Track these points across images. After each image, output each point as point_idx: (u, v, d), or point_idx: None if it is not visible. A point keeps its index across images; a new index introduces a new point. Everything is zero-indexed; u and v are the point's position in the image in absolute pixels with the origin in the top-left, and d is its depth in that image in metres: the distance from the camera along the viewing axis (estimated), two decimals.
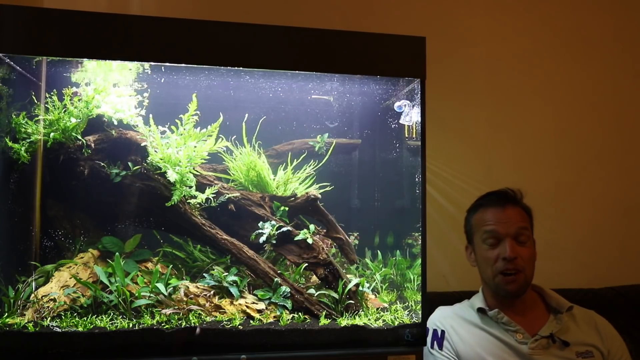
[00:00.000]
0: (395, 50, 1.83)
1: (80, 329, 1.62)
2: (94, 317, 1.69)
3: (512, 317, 1.88)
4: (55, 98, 1.86)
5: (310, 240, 1.95)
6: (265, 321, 1.77)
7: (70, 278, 1.79)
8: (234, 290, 1.84)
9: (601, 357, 1.83)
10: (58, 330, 1.61)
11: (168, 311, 1.72)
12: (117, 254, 1.80)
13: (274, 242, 1.97)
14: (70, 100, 1.86)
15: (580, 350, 1.81)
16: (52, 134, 1.83)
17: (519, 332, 1.84)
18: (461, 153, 2.62)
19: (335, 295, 1.89)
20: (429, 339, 1.90)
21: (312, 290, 1.92)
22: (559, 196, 2.72)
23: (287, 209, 2.07)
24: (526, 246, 1.86)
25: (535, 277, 1.99)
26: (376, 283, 2.10)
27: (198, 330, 1.65)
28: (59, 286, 1.77)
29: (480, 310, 1.93)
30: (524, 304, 1.90)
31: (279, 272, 1.92)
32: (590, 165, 2.78)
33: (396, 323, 1.81)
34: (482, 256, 1.90)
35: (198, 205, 1.95)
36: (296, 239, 1.97)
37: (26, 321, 1.64)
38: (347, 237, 2.19)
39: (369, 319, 1.82)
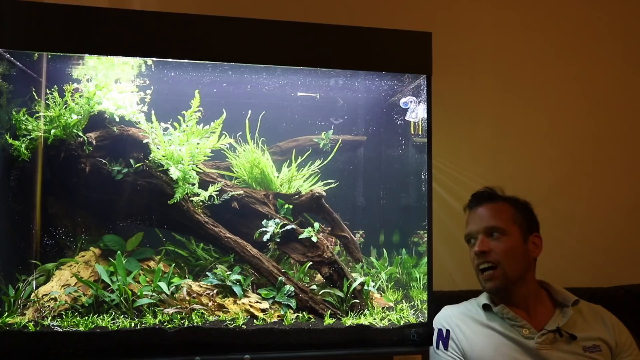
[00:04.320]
0: (401, 46, 1.81)
1: (81, 328, 1.61)
2: (96, 316, 1.67)
3: (518, 313, 1.87)
4: (56, 94, 1.84)
5: (314, 239, 1.93)
6: (269, 320, 1.75)
7: (72, 277, 1.78)
8: (237, 289, 1.82)
9: (608, 350, 1.82)
10: (59, 329, 1.60)
11: (170, 310, 1.71)
12: (118, 252, 1.79)
13: (278, 240, 1.95)
14: (71, 96, 1.84)
15: (587, 344, 1.80)
16: (52, 131, 1.81)
17: (525, 328, 1.83)
18: (468, 150, 2.60)
19: (340, 294, 1.87)
20: (434, 339, 1.88)
21: (313, 286, 1.90)
22: (567, 193, 2.69)
23: (291, 206, 2.05)
24: (501, 240, 1.86)
25: (544, 275, 1.97)
26: (382, 282, 2.08)
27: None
28: (59, 285, 1.76)
29: (485, 307, 1.92)
30: (526, 299, 1.89)
31: (283, 270, 1.90)
32: (599, 163, 2.75)
33: (402, 322, 1.79)
34: (469, 257, 1.94)
35: (201, 203, 1.93)
36: (300, 237, 1.95)
37: (27, 320, 1.63)
38: (352, 235, 2.17)
39: (375, 319, 1.80)
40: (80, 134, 1.84)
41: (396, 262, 2.19)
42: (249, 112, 2.05)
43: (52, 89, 1.84)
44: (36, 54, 1.79)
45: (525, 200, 1.97)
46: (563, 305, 1.90)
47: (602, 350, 1.80)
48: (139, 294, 1.73)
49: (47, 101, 1.84)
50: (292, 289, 1.84)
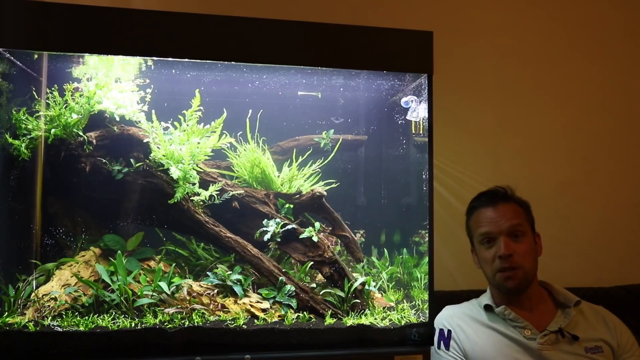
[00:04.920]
0: (402, 45, 1.80)
1: (81, 328, 1.60)
2: (96, 316, 1.67)
3: (520, 313, 1.86)
4: (56, 93, 1.84)
5: (315, 238, 1.92)
6: (269, 320, 1.74)
7: (72, 277, 1.77)
8: (237, 289, 1.82)
9: (610, 351, 1.81)
10: (59, 329, 1.59)
11: (171, 310, 1.70)
12: (119, 252, 1.78)
13: (279, 240, 1.95)
14: (71, 95, 1.83)
15: (589, 345, 1.79)
16: (53, 130, 1.80)
17: (527, 328, 1.82)
18: (469, 149, 2.59)
19: (341, 294, 1.86)
20: (435, 339, 1.88)
21: (313, 285, 1.89)
22: (569, 193, 2.68)
23: (292, 206, 2.05)
24: (521, 242, 1.85)
25: (545, 275, 1.96)
26: (382, 282, 2.07)
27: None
28: (60, 285, 1.75)
29: (487, 308, 1.91)
30: (530, 300, 1.88)
31: (283, 270, 1.89)
32: (600, 162, 2.74)
33: (403, 322, 1.79)
34: (482, 257, 1.90)
35: (201, 203, 1.92)
36: (301, 237, 1.94)
37: (27, 320, 1.62)
38: (353, 235, 2.16)
39: (375, 319, 1.80)
40: (81, 133, 1.83)
41: (397, 261, 2.18)
42: (250, 111, 2.05)
43: (53, 88, 1.84)
44: (36, 54, 1.79)
45: (524, 200, 1.96)
46: (565, 306, 1.89)
47: (604, 351, 1.79)
48: (139, 293, 1.73)
49: (47, 100, 1.84)
50: (293, 288, 1.84)
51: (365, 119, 2.33)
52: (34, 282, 1.77)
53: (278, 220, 1.96)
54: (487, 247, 1.87)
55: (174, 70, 1.88)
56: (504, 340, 1.83)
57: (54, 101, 1.83)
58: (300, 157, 2.14)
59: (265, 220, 1.97)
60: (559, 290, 1.94)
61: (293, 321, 1.74)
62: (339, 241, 2.17)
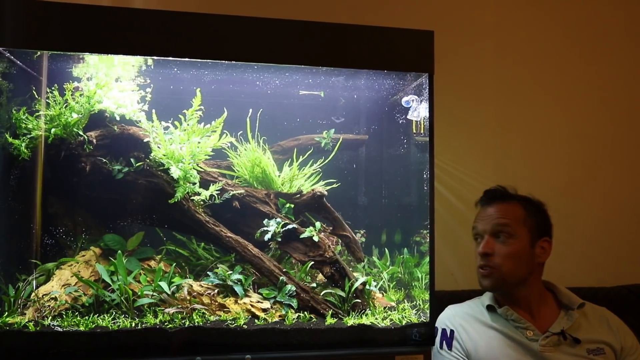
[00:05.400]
0: (403, 45, 1.80)
1: (81, 328, 1.60)
2: (96, 316, 1.66)
3: (522, 314, 1.85)
4: (56, 93, 1.83)
5: (316, 238, 1.92)
6: (270, 320, 1.74)
7: (72, 276, 1.77)
8: (238, 289, 1.82)
9: (613, 354, 1.80)
10: (59, 329, 1.59)
11: (171, 310, 1.70)
12: (119, 252, 1.78)
13: (279, 239, 1.94)
14: (71, 95, 1.83)
15: (591, 347, 1.79)
16: (53, 130, 1.80)
17: (530, 330, 1.82)
18: (470, 149, 2.59)
19: (342, 294, 1.86)
20: (437, 339, 1.87)
21: (314, 284, 1.90)
22: (570, 193, 2.68)
23: (292, 206, 2.04)
24: (506, 243, 1.83)
25: (546, 275, 1.95)
26: (383, 281, 2.07)
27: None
28: (60, 285, 1.75)
29: (489, 308, 1.91)
30: (529, 301, 1.88)
31: (284, 270, 1.89)
32: (601, 162, 2.74)
33: (404, 322, 1.79)
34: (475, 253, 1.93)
35: (202, 202, 1.92)
36: (302, 236, 1.94)
37: (27, 320, 1.62)
38: (354, 235, 2.16)
39: (376, 318, 1.80)
40: (81, 132, 1.83)
41: (398, 261, 2.18)
42: (250, 110, 2.04)
43: (53, 88, 1.84)
44: (38, 52, 1.78)
45: (539, 201, 1.94)
46: (568, 308, 1.88)
47: (606, 352, 1.79)
48: (139, 293, 1.73)
49: (47, 100, 1.84)
50: (294, 288, 1.83)
51: (366, 118, 2.33)
52: (34, 282, 1.77)
53: (279, 219, 1.96)
54: (476, 243, 1.91)
55: (174, 69, 1.88)
56: (506, 340, 1.82)
57: (54, 100, 1.82)
58: (301, 156, 2.14)
59: (266, 220, 1.96)
60: (563, 292, 1.93)
61: (294, 321, 1.74)
62: (340, 241, 2.16)
